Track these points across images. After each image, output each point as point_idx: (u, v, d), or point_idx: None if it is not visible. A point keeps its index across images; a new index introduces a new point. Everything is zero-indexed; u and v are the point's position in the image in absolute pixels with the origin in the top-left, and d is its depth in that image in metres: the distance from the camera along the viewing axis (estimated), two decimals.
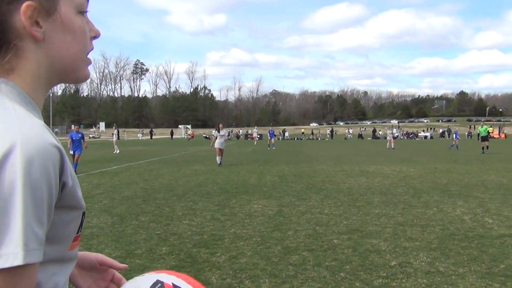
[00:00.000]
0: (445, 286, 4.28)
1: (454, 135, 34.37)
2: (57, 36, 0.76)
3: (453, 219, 7.23)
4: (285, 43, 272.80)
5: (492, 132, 45.10)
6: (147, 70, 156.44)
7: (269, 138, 36.55)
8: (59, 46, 0.76)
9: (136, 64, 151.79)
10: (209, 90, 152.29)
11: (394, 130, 39.98)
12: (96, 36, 0.85)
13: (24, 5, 0.70)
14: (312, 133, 72.82)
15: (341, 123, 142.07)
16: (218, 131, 17.92)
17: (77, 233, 0.78)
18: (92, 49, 0.84)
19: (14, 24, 0.71)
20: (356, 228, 6.67)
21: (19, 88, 0.74)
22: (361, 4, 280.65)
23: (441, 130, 77.34)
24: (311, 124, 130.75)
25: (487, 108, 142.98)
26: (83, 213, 0.78)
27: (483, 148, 26.88)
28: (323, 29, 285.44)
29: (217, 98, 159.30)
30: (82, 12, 0.80)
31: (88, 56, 0.83)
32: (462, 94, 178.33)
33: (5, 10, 0.70)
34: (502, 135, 62.53)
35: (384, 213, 7.81)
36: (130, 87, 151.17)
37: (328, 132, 72.46)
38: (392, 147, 33.99)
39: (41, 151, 0.65)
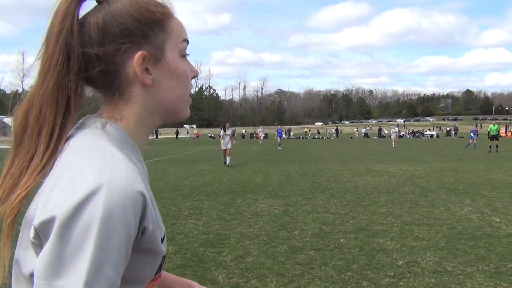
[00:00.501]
0: (453, 285, 4.26)
1: (471, 133, 33.52)
2: (164, 81, 0.81)
3: (460, 218, 7.19)
4: (289, 42, 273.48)
5: (500, 131, 44.57)
6: None
7: (278, 137, 36.70)
8: (165, 90, 0.81)
9: None
10: (214, 90, 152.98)
11: (397, 129, 39.78)
12: (195, 76, 0.88)
13: (138, 54, 0.76)
14: (318, 132, 72.70)
15: (347, 122, 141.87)
16: (224, 130, 17.68)
17: (155, 275, 0.79)
18: (192, 88, 0.89)
19: (127, 72, 0.77)
20: (363, 227, 6.65)
21: (124, 131, 0.79)
22: (365, 3, 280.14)
23: (447, 129, 76.99)
24: (316, 123, 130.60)
25: (493, 107, 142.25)
26: (164, 257, 0.78)
27: (490, 146, 26.67)
28: (327, 28, 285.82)
29: (222, 98, 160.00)
30: (184, 55, 0.85)
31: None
32: (468, 92, 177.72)
33: (120, 60, 0.76)
34: (509, 134, 62.18)
35: (390, 212, 7.78)
36: None
37: (333, 131, 72.30)
38: (393, 146, 33.91)
39: (125, 197, 0.66)
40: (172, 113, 0.85)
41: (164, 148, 34.56)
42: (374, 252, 5.37)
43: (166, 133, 79.72)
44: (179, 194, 10.09)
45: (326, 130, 73.88)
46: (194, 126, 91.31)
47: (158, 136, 67.13)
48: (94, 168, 0.67)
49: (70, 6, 0.75)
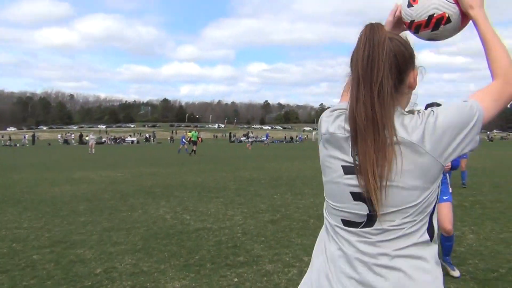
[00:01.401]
0: (148, 284, 4.50)
1: (182, 139, 37.12)
2: (414, 85, 1.40)
3: (157, 219, 7.68)
4: None
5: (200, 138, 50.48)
6: None
7: None
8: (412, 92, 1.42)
9: None
10: None
11: (93, 136, 39.79)
12: None
13: (416, 70, 1.37)
14: (10, 139, 64.90)
15: (45, 128, 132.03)
16: None
17: None
18: None
19: (408, 80, 1.35)
20: (60, 239, 6.31)
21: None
22: (66, 3, 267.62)
23: (146, 135, 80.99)
24: (8, 129, 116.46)
25: (187, 115, 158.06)
26: None
27: (193, 150, 30.19)
28: (23, 24, 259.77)
29: None
30: None
31: None
32: (165, 101, 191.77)
33: (407, 73, 1.34)
34: (199, 139, 70.26)
35: (90, 220, 7.65)
36: None
37: (25, 138, 65.65)
38: (92, 152, 34.34)
39: None
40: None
41: None
42: (71, 264, 5.17)
43: None
44: None
45: (25, 137, 66.04)
46: None
47: None
48: None
49: (388, 46, 1.27)
